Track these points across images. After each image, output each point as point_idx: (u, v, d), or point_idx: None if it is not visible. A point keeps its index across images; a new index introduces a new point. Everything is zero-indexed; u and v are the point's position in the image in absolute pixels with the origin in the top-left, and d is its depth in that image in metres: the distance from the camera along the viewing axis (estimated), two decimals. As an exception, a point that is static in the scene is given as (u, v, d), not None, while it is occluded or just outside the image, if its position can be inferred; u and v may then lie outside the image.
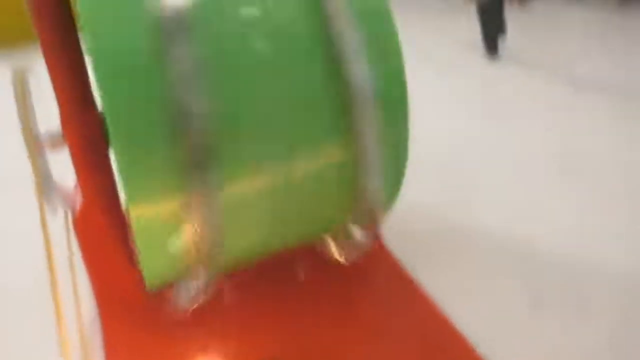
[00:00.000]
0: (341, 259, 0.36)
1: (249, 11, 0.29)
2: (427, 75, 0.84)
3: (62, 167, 0.37)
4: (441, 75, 0.85)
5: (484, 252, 0.49)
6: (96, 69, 0.27)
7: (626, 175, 0.60)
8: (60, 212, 0.37)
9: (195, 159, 0.28)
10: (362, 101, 0.29)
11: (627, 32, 1.07)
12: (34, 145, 0.32)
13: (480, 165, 0.62)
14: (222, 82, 0.28)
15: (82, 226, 0.36)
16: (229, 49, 0.28)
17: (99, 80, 0.27)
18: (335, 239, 0.36)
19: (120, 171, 0.27)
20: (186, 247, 0.30)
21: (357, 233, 0.34)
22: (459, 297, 0.42)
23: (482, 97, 0.79)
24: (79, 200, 0.36)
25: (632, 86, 0.80)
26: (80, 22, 0.28)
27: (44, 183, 0.34)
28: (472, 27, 0.93)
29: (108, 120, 0.26)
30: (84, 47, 0.32)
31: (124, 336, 0.34)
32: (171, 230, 0.30)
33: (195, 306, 0.31)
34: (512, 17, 1.13)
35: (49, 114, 0.36)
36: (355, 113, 0.29)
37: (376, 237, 0.42)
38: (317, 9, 0.29)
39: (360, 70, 0.29)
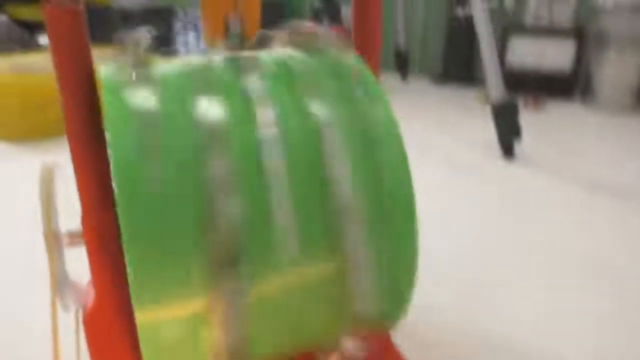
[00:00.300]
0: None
1: (267, 132, 0.31)
2: (444, 176, 0.86)
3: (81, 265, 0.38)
4: (458, 175, 0.86)
5: (495, 350, 0.47)
6: (118, 180, 0.28)
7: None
8: (72, 309, 0.37)
9: (224, 257, 0.28)
10: (352, 224, 0.30)
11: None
12: (53, 241, 0.33)
13: (495, 266, 0.61)
14: (242, 191, 0.29)
15: (92, 324, 0.36)
16: (248, 164, 0.30)
17: (120, 188, 0.28)
18: (332, 348, 0.35)
19: (130, 274, 0.27)
20: (200, 348, 0.30)
21: (351, 344, 0.33)
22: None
23: (498, 197, 0.79)
24: (91, 297, 0.36)
25: None
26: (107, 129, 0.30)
27: (59, 278, 0.35)
28: (488, 128, 0.95)
29: (119, 209, 0.27)
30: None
31: None
32: (185, 338, 0.30)
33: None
34: (528, 119, 1.17)
35: (72, 213, 0.37)
36: (346, 232, 0.30)
37: (386, 338, 0.41)
38: (318, 135, 0.31)
39: (344, 188, 0.30)
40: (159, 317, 0.29)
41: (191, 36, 1.25)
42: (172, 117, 0.31)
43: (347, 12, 1.49)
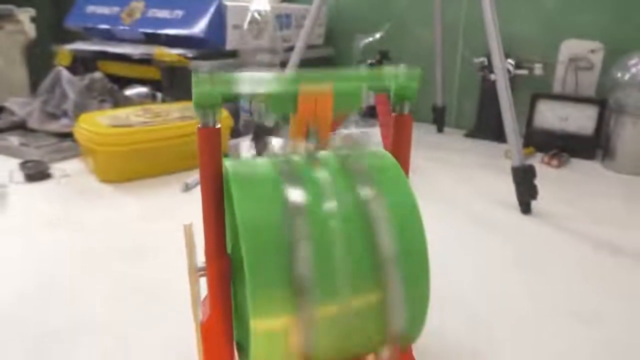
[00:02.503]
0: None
1: (328, 205, 0.47)
2: (466, 229, 1.00)
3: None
4: (474, 226, 1.01)
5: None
6: (242, 233, 0.45)
7: None
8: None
9: (300, 291, 0.44)
10: (387, 264, 0.46)
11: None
12: (194, 274, 0.51)
13: (508, 309, 0.75)
14: (314, 243, 0.45)
15: (207, 332, 0.53)
16: (318, 225, 0.47)
17: (243, 235, 0.44)
18: (372, 356, 0.51)
19: (249, 294, 0.44)
20: (287, 352, 0.46)
21: (385, 354, 0.49)
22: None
23: (511, 247, 0.93)
24: (207, 313, 0.53)
25: None
26: (233, 199, 0.47)
27: (196, 299, 0.52)
28: (510, 185, 1.09)
29: (245, 260, 0.44)
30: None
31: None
32: (277, 340, 0.46)
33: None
34: (552, 175, 1.30)
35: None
36: (384, 273, 0.45)
37: (406, 353, 0.56)
38: (364, 208, 0.47)
39: (385, 243, 0.46)
40: (264, 326, 0.45)
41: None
42: (270, 196, 0.48)
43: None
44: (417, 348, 0.57)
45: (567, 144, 1.44)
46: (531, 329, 0.69)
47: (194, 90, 0.47)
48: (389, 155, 0.53)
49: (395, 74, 0.52)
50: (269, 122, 1.23)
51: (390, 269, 0.45)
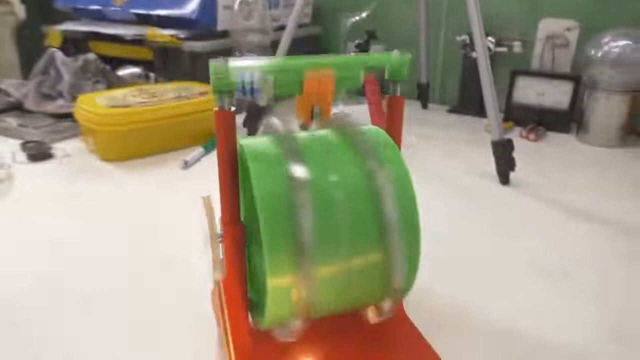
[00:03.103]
0: (375, 320, 0.58)
1: (333, 177, 0.54)
2: (448, 197, 1.09)
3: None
4: (457, 196, 1.09)
5: (477, 327, 0.69)
6: (259, 201, 0.51)
7: (613, 287, 0.79)
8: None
9: (303, 252, 0.51)
10: (391, 229, 0.53)
11: (626, 167, 1.29)
12: (215, 239, 0.58)
13: (486, 267, 0.84)
14: (318, 212, 0.52)
15: (225, 288, 0.60)
16: (322, 195, 0.53)
17: (261, 207, 0.51)
18: (372, 308, 0.59)
19: (266, 257, 0.51)
20: (294, 304, 0.53)
21: (386, 305, 0.57)
22: (452, 353, 0.63)
23: (492, 215, 1.01)
24: (224, 273, 0.60)
25: (624, 217, 1.01)
26: (248, 174, 0.54)
27: (217, 261, 0.59)
28: (490, 158, 1.16)
29: (262, 230, 0.50)
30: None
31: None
32: (289, 295, 0.53)
33: (292, 337, 0.54)
34: (529, 147, 1.39)
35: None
36: (388, 236, 0.52)
37: (399, 307, 0.64)
38: (369, 177, 0.54)
39: (390, 211, 0.53)
40: (278, 284, 0.52)
41: (245, 74, 1.50)
42: (282, 171, 0.54)
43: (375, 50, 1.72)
44: (409, 303, 0.65)
45: (544, 118, 1.52)
46: (508, 286, 0.78)
47: (212, 77, 0.53)
48: (382, 131, 0.60)
49: (389, 58, 0.58)
50: (262, 102, 1.31)
51: (393, 233, 0.53)
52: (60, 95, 1.53)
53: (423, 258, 0.56)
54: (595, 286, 0.78)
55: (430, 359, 0.61)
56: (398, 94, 0.60)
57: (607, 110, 1.39)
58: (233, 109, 0.55)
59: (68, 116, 1.45)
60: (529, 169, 1.22)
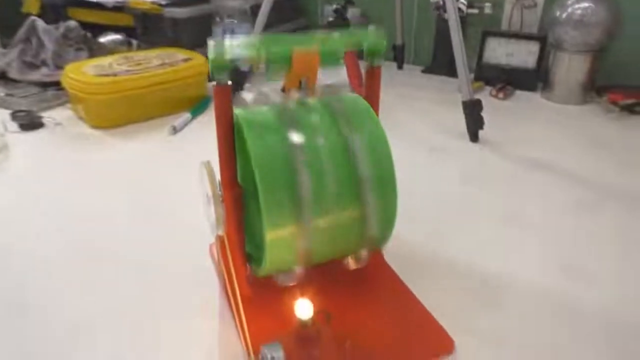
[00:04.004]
0: (354, 266, 0.68)
1: (320, 141, 0.62)
2: (422, 154, 1.18)
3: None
4: (430, 153, 1.18)
5: (447, 269, 0.80)
6: (255, 166, 0.59)
7: (565, 234, 0.89)
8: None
9: (301, 207, 0.59)
10: (365, 186, 0.61)
11: (584, 123, 1.40)
12: (217, 197, 0.65)
13: (456, 216, 0.93)
14: (312, 172, 0.60)
15: (223, 243, 0.68)
16: (314, 158, 0.61)
17: (257, 167, 0.58)
18: (351, 256, 0.68)
19: (263, 212, 0.59)
20: (291, 254, 0.61)
21: (363, 253, 0.66)
22: (427, 293, 0.73)
23: (462, 170, 1.11)
24: (225, 228, 0.68)
25: (578, 169, 1.11)
26: (243, 140, 0.61)
27: (220, 218, 0.67)
28: (461, 117, 1.25)
29: (259, 189, 0.58)
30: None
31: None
32: (285, 245, 0.62)
33: (293, 281, 0.63)
34: (497, 105, 1.48)
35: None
36: (363, 191, 0.61)
37: (378, 254, 0.73)
38: (349, 140, 0.62)
39: (364, 171, 0.61)
40: (276, 235, 0.60)
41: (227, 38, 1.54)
42: (274, 136, 0.62)
43: (352, 14, 1.77)
44: (388, 253, 0.75)
45: (512, 77, 1.61)
46: (474, 233, 0.88)
47: (211, 56, 0.59)
48: (362, 99, 0.68)
49: (368, 35, 0.65)
50: (244, 67, 1.39)
51: (366, 188, 0.61)
52: (44, 63, 1.55)
53: (399, 210, 0.64)
54: (549, 230, 0.89)
55: (406, 297, 0.71)
56: (376, 65, 0.67)
57: (569, 69, 1.48)
58: (230, 83, 0.62)
59: (53, 85, 1.48)
60: (497, 126, 1.31)
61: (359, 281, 0.73)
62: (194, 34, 1.56)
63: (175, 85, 1.35)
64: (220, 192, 0.66)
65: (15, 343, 0.65)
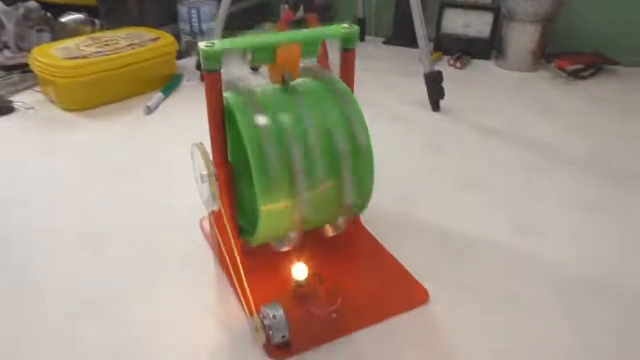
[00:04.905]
0: (332, 234, 0.75)
1: (308, 120, 0.68)
2: (386, 123, 1.25)
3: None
4: (395, 123, 1.26)
5: (418, 229, 0.88)
6: (248, 145, 0.65)
7: (517, 189, 1.00)
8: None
9: (294, 180, 0.66)
10: (343, 160, 0.68)
11: (535, 89, 1.50)
12: (212, 175, 0.71)
13: (421, 180, 1.02)
14: (301, 148, 0.66)
15: (217, 217, 0.75)
16: (302, 136, 0.67)
17: (249, 143, 0.64)
18: (330, 224, 0.76)
19: (257, 188, 0.65)
20: (283, 224, 0.68)
21: (341, 221, 0.74)
22: (401, 251, 0.82)
23: (425, 137, 1.19)
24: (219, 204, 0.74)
25: (531, 133, 1.22)
26: (235, 121, 0.66)
27: (216, 194, 0.73)
28: (423, 88, 1.32)
29: (252, 164, 0.64)
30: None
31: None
32: (276, 216, 0.68)
33: (286, 249, 0.70)
34: (455, 74, 1.56)
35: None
36: (341, 163, 0.68)
37: (355, 220, 0.82)
38: (327, 120, 0.69)
39: (343, 146, 0.68)
40: (270, 208, 0.66)
41: (193, 17, 1.55)
42: (263, 117, 0.67)
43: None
44: (365, 218, 0.83)
45: (468, 47, 1.70)
46: (439, 194, 0.97)
47: (202, 47, 0.64)
48: (340, 80, 0.74)
49: (340, 31, 0.71)
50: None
51: (346, 161, 0.68)
52: (5, 46, 1.53)
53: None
54: (505, 191, 0.99)
55: (383, 255, 0.80)
56: (349, 49, 0.74)
57: (521, 38, 1.58)
58: (221, 70, 0.67)
59: (17, 68, 1.48)
60: (456, 95, 1.40)
61: (341, 244, 0.81)
62: (159, 13, 1.57)
63: (145, 65, 1.38)
64: (213, 170, 0.72)
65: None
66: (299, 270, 0.63)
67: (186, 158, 0.75)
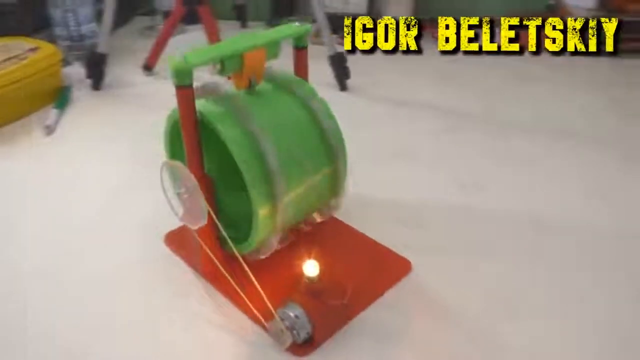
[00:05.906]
0: (320, 220, 0.79)
1: (281, 120, 0.70)
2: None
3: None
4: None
5: (373, 207, 0.95)
6: (235, 154, 0.64)
7: (440, 156, 1.12)
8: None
9: (274, 183, 0.67)
10: (338, 151, 0.72)
11: (426, 59, 1.64)
12: (199, 190, 0.68)
13: (353, 159, 1.04)
14: (282, 151, 0.68)
15: (203, 230, 0.73)
16: (278, 136, 0.69)
17: (234, 149, 0.64)
18: (318, 211, 0.79)
19: (250, 192, 0.65)
20: (273, 225, 0.70)
21: (332, 205, 0.78)
22: (367, 229, 0.88)
23: (338, 116, 1.24)
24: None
25: (441, 102, 1.34)
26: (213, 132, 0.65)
27: (203, 207, 0.70)
28: (327, 69, 1.35)
29: (242, 169, 0.64)
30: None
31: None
32: (269, 219, 0.69)
33: (274, 249, 0.71)
34: (354, 59, 1.63)
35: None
36: (332, 156, 0.72)
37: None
38: (311, 114, 0.71)
39: (332, 138, 0.72)
40: (263, 211, 0.67)
41: (70, 21, 1.43)
42: (242, 124, 0.67)
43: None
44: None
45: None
46: (374, 169, 1.04)
47: (173, 63, 0.63)
48: (297, 78, 0.77)
49: (293, 30, 0.74)
50: (103, 49, 1.37)
51: (338, 152, 0.72)
52: None
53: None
54: (431, 155, 1.10)
55: (361, 239, 0.85)
56: (302, 47, 0.77)
57: (397, 11, 1.71)
58: (194, 84, 0.65)
59: None
60: (360, 72, 1.46)
61: (320, 236, 0.84)
62: (32, 18, 1.41)
63: (33, 80, 1.24)
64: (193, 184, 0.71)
65: None
66: (311, 267, 0.66)
67: (109, 176, 0.72)
